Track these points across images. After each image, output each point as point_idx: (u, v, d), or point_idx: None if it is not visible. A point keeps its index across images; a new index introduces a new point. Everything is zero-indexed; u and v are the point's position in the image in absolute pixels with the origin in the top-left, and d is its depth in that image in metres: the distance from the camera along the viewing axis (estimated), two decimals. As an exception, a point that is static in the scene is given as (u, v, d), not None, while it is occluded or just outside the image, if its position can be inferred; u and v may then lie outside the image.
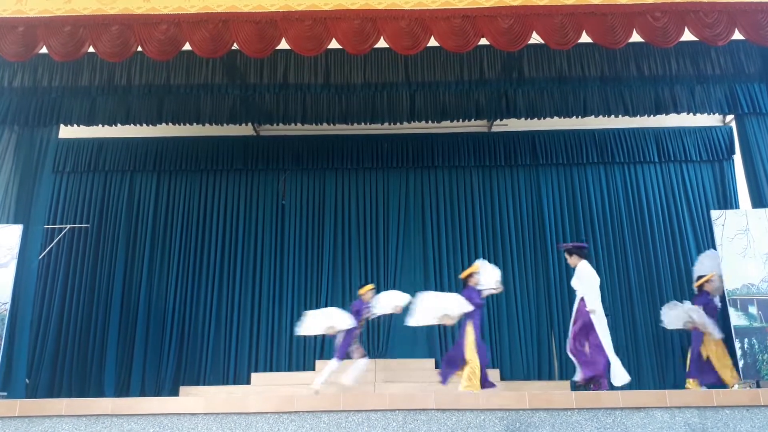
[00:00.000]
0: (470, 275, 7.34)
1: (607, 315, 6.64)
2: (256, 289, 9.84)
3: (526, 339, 9.47)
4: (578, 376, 6.45)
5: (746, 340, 6.87)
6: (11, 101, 8.38)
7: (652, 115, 8.86)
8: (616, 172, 10.33)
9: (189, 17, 6.73)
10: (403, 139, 10.31)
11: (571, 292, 9.60)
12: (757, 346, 6.88)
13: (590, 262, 7.07)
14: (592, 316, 6.44)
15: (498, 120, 9.74)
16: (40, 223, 8.26)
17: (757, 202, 7.98)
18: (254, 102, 9.08)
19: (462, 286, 7.43)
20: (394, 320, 9.61)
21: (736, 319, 6.95)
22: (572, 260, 6.97)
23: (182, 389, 8.91)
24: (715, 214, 7.53)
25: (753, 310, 7.01)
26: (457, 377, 7.01)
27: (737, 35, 6.85)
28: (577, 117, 8.90)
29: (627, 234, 9.94)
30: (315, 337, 9.50)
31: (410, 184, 10.38)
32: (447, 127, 9.84)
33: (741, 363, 6.78)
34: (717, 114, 9.49)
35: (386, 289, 9.74)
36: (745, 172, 8.38)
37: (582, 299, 6.61)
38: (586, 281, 6.65)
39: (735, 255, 7.21)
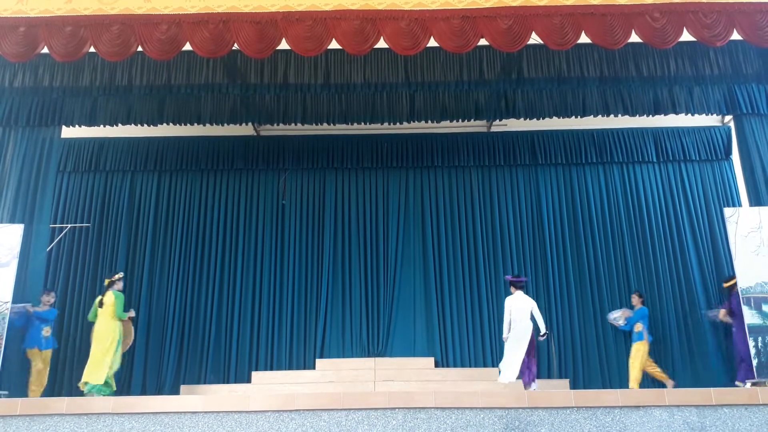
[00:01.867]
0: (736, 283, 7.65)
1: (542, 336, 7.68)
2: (256, 288, 9.86)
3: (525, 338, 9.50)
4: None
5: (760, 338, 6.84)
6: (13, 101, 8.40)
7: (650, 116, 8.89)
8: (615, 171, 10.36)
9: (189, 17, 6.75)
10: (402, 139, 10.33)
11: (570, 291, 9.73)
12: (770, 344, 6.88)
13: (526, 292, 8.09)
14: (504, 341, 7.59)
15: (497, 120, 9.76)
16: (46, 222, 8.29)
17: (755, 202, 7.98)
18: (255, 102, 9.10)
19: (728, 294, 8.17)
20: (394, 319, 9.66)
21: (749, 317, 6.91)
22: (512, 290, 7.87)
23: (183, 388, 8.94)
24: (728, 211, 7.49)
25: (767, 308, 6.99)
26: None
27: (736, 36, 6.87)
28: (576, 117, 8.93)
29: (626, 233, 9.97)
30: (315, 335, 9.55)
31: (410, 183, 10.41)
32: (446, 127, 9.86)
33: (755, 362, 6.76)
34: (715, 115, 9.51)
35: (385, 288, 9.81)
36: (743, 172, 8.39)
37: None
38: (505, 310, 7.66)
39: (748, 253, 7.15)
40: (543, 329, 7.60)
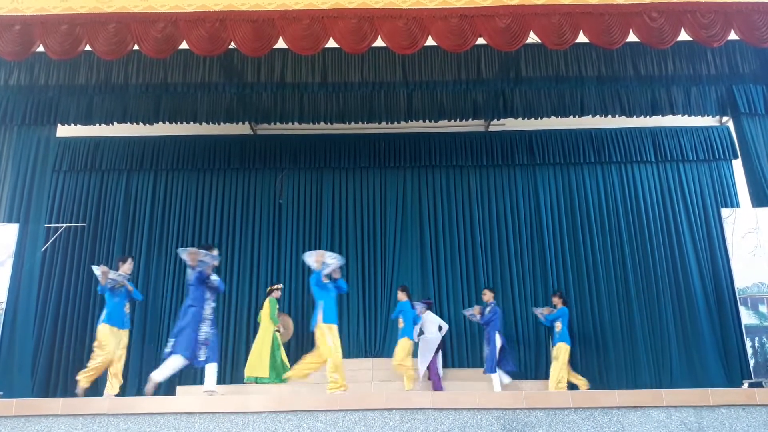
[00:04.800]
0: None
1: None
2: (253, 288, 9.83)
3: (523, 338, 9.50)
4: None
5: (756, 338, 6.86)
6: (8, 100, 8.36)
7: (648, 116, 8.88)
8: (613, 171, 10.36)
9: (186, 16, 6.71)
10: (400, 139, 10.32)
11: (568, 291, 9.75)
12: (767, 345, 6.88)
13: (434, 311, 9.10)
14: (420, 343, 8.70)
15: (495, 119, 9.75)
16: (41, 221, 8.24)
17: (757, 202, 7.97)
18: (251, 101, 9.08)
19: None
20: (391, 319, 9.63)
21: (746, 317, 6.93)
22: (419, 310, 8.81)
23: (179, 388, 8.89)
24: (725, 212, 7.50)
25: (763, 308, 7.00)
26: None
27: (733, 36, 6.87)
28: (574, 117, 8.93)
29: (624, 233, 9.98)
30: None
31: (407, 183, 10.39)
32: (444, 126, 9.85)
33: (752, 362, 6.76)
34: (713, 116, 9.51)
35: (383, 287, 9.78)
36: (745, 172, 8.36)
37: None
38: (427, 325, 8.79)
39: (746, 253, 7.20)
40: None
